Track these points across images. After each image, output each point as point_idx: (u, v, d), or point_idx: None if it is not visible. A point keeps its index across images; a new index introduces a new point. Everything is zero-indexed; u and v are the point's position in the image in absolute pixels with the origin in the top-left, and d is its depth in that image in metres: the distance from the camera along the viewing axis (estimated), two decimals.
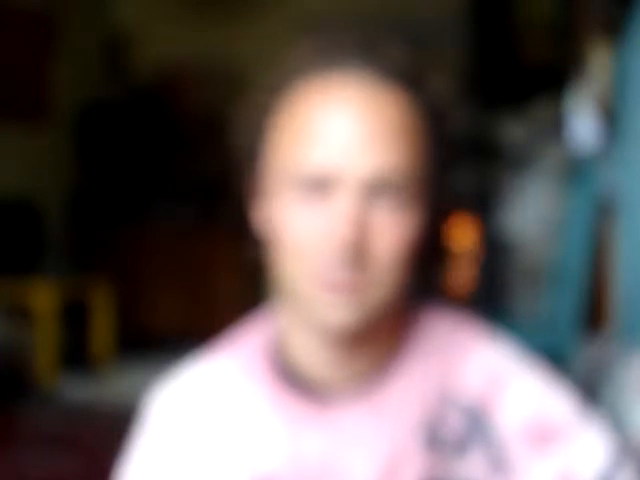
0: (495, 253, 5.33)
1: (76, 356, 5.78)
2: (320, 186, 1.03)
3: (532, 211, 5.19)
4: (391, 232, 1.03)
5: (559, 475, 1.07)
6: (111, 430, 2.87)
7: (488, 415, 1.09)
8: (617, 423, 1.16)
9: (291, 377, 1.11)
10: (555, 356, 1.53)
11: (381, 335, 1.09)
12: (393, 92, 1.04)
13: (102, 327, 5.92)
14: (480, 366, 1.11)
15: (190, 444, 1.12)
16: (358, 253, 1.02)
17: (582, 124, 2.36)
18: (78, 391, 5.36)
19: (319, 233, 1.03)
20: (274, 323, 1.15)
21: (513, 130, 5.43)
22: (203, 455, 1.12)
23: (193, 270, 6.46)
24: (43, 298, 5.54)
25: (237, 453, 1.10)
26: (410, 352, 1.12)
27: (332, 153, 1.02)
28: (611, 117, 2.24)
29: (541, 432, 1.09)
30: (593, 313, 2.34)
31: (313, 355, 1.09)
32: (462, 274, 5.52)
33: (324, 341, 1.07)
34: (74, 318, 5.87)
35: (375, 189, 1.02)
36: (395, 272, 1.04)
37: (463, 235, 5.49)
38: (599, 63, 2.34)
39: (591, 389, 1.19)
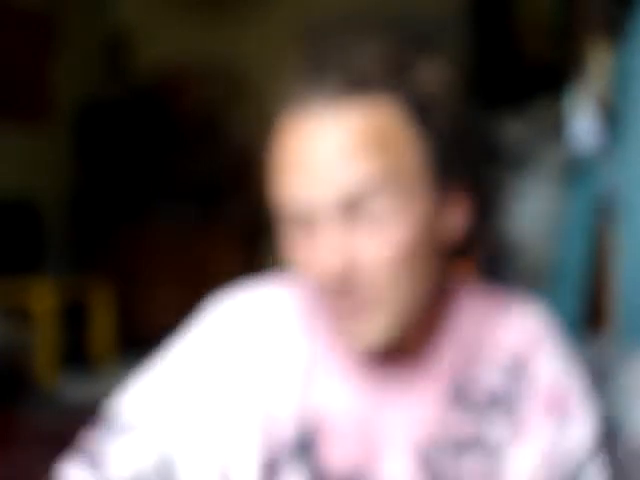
0: (495, 252, 5.34)
1: (76, 356, 5.78)
2: (303, 221, 1.04)
3: (532, 211, 5.20)
4: (381, 240, 1.02)
5: (551, 448, 1.10)
6: None
7: (526, 372, 1.12)
8: (617, 423, 1.16)
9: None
10: None
11: (417, 325, 1.11)
12: (360, 101, 1.03)
13: (102, 327, 5.92)
14: (519, 326, 1.14)
15: (230, 356, 1.13)
16: (347, 280, 1.02)
17: (582, 124, 2.36)
18: (78, 391, 5.36)
19: (312, 267, 1.04)
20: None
21: (513, 130, 5.43)
22: (237, 371, 1.12)
23: (193, 270, 6.46)
24: (43, 298, 5.54)
25: (265, 380, 1.11)
26: (445, 321, 1.14)
27: (302, 187, 1.03)
28: (611, 117, 2.24)
29: (556, 402, 1.11)
30: (593, 313, 2.34)
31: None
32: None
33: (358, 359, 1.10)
34: (74, 318, 5.88)
35: (353, 206, 1.02)
36: (403, 274, 1.04)
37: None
38: (599, 63, 2.34)
39: (591, 389, 1.19)
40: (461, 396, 1.10)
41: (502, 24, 6.30)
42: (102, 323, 5.92)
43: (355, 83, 1.03)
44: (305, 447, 1.09)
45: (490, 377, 1.11)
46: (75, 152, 6.71)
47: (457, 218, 1.11)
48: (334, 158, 1.02)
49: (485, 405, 1.10)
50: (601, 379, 1.31)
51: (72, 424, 4.92)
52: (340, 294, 1.03)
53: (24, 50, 6.22)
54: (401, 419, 1.10)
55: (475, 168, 1.12)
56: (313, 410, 1.10)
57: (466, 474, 1.08)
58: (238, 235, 6.52)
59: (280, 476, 1.09)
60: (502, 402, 1.10)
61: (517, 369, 1.11)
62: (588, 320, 2.32)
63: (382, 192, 1.02)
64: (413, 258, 1.04)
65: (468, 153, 1.12)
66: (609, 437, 1.18)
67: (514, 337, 1.13)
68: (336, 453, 1.08)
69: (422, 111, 1.06)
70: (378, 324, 1.04)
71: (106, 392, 6.17)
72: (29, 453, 4.23)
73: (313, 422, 1.09)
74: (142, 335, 6.30)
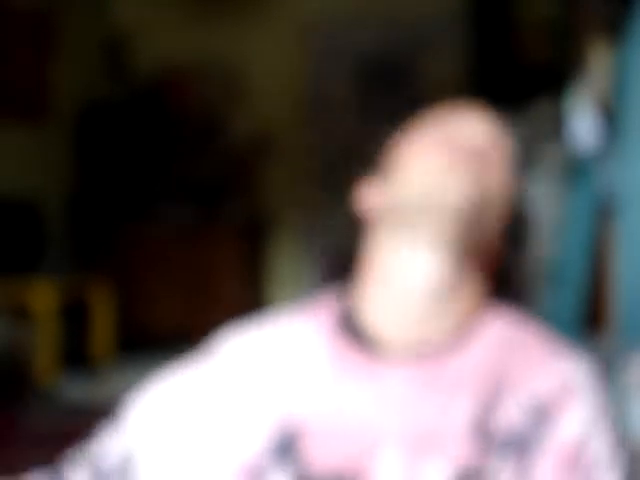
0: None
1: (76, 356, 5.78)
2: None
3: (532, 211, 5.19)
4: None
5: None
6: None
7: (552, 420, 1.06)
8: (617, 423, 1.16)
9: (356, 335, 1.12)
10: None
11: (456, 308, 1.11)
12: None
13: (102, 327, 5.92)
14: (557, 371, 1.09)
15: (244, 381, 1.13)
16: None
17: (582, 124, 2.36)
18: (78, 391, 5.36)
19: None
20: (348, 294, 1.17)
21: (513, 129, 5.42)
22: (250, 391, 1.12)
23: (193, 270, 6.46)
24: (43, 298, 5.53)
25: (279, 393, 1.11)
26: (478, 336, 1.11)
27: None
28: (611, 117, 2.24)
29: (572, 462, 1.05)
30: (593, 313, 2.34)
31: (384, 312, 1.11)
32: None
33: (406, 300, 1.10)
34: (74, 318, 5.87)
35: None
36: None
37: None
38: (599, 63, 2.34)
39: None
40: (484, 422, 1.06)
41: (502, 24, 6.30)
42: (102, 323, 5.92)
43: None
44: (287, 450, 1.07)
45: (511, 414, 1.06)
46: (75, 152, 6.70)
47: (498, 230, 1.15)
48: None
49: (500, 441, 1.05)
50: (601, 379, 1.30)
51: (72, 424, 4.93)
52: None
53: (24, 50, 6.21)
54: (408, 422, 1.07)
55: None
56: (295, 413, 1.09)
57: None
58: (238, 235, 6.52)
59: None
60: (517, 443, 1.05)
61: (541, 414, 1.05)
62: (588, 320, 2.31)
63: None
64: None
65: None
66: None
67: (546, 380, 1.08)
68: (319, 458, 1.06)
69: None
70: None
71: (106, 392, 6.19)
72: (29, 453, 4.23)
73: (294, 425, 1.08)
74: (142, 335, 6.30)
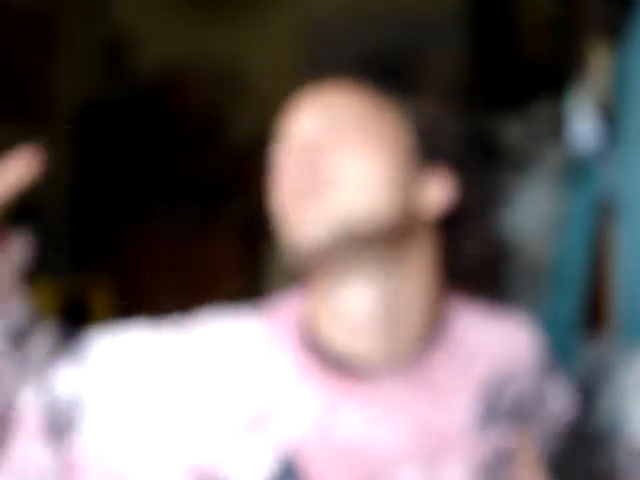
0: (495, 253, 5.33)
1: None
2: None
3: (532, 211, 5.20)
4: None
5: None
6: None
7: (541, 397, 1.10)
8: (617, 423, 1.16)
9: (322, 352, 1.08)
10: (555, 356, 1.53)
11: (411, 307, 1.09)
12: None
13: (102, 327, 5.91)
14: (536, 345, 1.14)
15: (202, 392, 1.10)
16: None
17: (582, 124, 2.36)
18: None
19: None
20: (305, 304, 1.15)
21: (513, 130, 5.43)
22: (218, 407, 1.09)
23: (193, 270, 6.46)
24: (43, 297, 5.53)
25: (261, 419, 1.07)
26: (451, 331, 1.11)
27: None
28: (611, 117, 2.24)
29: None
30: (593, 313, 2.34)
31: (341, 338, 1.08)
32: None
33: (357, 330, 1.07)
34: (74, 318, 5.87)
35: None
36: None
37: None
38: (599, 63, 2.34)
39: (591, 389, 1.19)
40: (492, 410, 1.07)
41: (502, 24, 6.30)
42: (102, 323, 5.91)
43: None
44: (290, 475, 1.03)
45: (515, 391, 1.09)
46: (75, 152, 6.70)
47: (435, 194, 1.10)
48: None
49: (514, 418, 1.08)
50: (601, 379, 1.31)
51: None
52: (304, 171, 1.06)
53: (24, 50, 6.21)
54: (406, 433, 1.06)
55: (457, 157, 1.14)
56: (293, 439, 1.06)
57: None
58: (238, 235, 6.52)
59: None
60: (522, 417, 1.08)
61: (535, 390, 1.10)
62: (588, 320, 2.31)
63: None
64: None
65: (446, 141, 1.15)
66: (609, 437, 1.18)
67: (534, 355, 1.13)
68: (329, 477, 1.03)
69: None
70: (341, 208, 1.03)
71: None
72: None
73: (293, 451, 1.05)
74: None
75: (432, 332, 1.08)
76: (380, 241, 1.05)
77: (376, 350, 1.06)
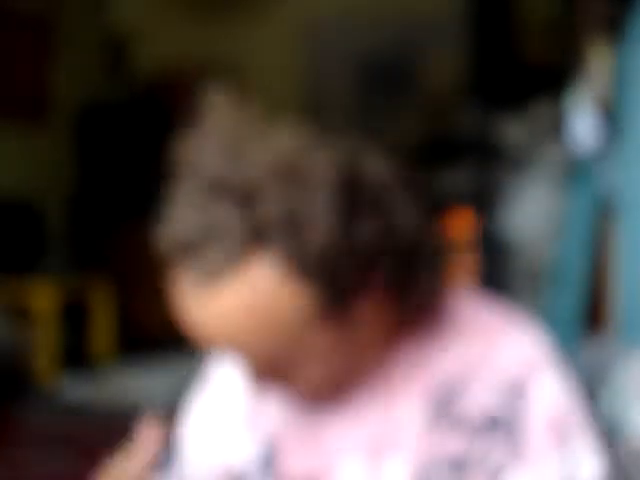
0: (495, 252, 5.33)
1: (76, 356, 5.78)
2: None
3: (532, 211, 5.20)
4: None
5: (555, 476, 1.08)
6: (111, 430, 2.87)
7: (523, 398, 1.09)
8: (617, 423, 1.16)
9: None
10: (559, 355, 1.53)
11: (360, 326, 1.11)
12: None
13: (102, 327, 5.92)
14: (517, 348, 1.11)
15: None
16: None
17: (582, 124, 2.36)
18: (78, 391, 5.36)
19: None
20: None
21: (513, 130, 5.43)
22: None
23: None
24: (43, 298, 5.54)
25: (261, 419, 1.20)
26: (421, 331, 1.14)
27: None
28: (611, 117, 2.24)
29: (558, 426, 1.09)
30: (593, 313, 2.34)
31: None
32: (462, 274, 5.51)
33: None
34: (74, 318, 5.87)
35: None
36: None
37: (463, 235, 5.49)
38: (599, 63, 2.34)
39: (591, 389, 1.19)
40: (444, 413, 1.10)
41: (502, 24, 6.30)
42: (102, 323, 5.92)
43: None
44: (268, 462, 1.17)
45: (484, 397, 1.09)
46: (75, 152, 6.70)
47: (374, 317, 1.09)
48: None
49: (480, 425, 1.09)
50: (601, 379, 1.31)
51: (72, 424, 4.92)
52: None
53: (24, 50, 6.22)
54: (358, 438, 1.12)
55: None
56: (271, 430, 1.18)
57: None
58: None
59: None
60: (501, 424, 1.08)
61: (515, 392, 1.09)
62: (588, 320, 2.32)
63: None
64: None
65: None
66: (609, 437, 1.18)
67: (511, 358, 1.10)
68: (292, 466, 1.16)
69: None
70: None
71: (106, 392, 6.17)
72: (29, 453, 4.22)
73: (271, 441, 1.18)
74: (142, 335, 6.29)
75: (390, 343, 1.14)
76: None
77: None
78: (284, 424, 1.19)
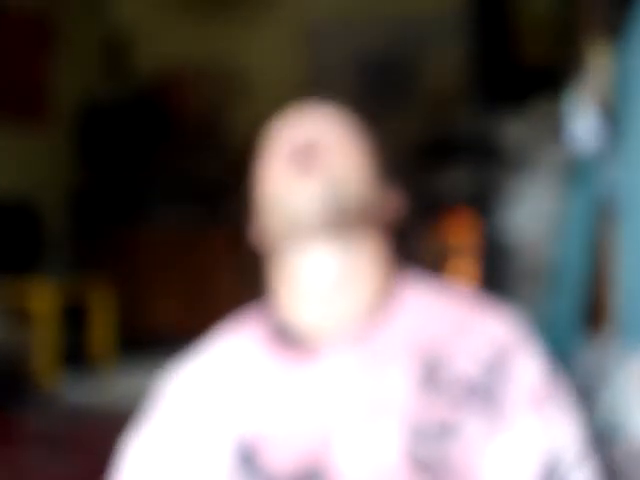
0: (495, 253, 5.34)
1: (76, 356, 5.78)
2: None
3: (532, 211, 5.19)
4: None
5: (534, 445, 1.15)
6: (111, 430, 2.87)
7: (506, 368, 1.17)
8: (617, 423, 1.16)
9: (287, 337, 1.24)
10: (555, 356, 1.53)
11: (363, 287, 1.21)
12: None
13: (102, 327, 5.92)
14: (500, 324, 1.20)
15: (198, 410, 1.25)
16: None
17: (582, 124, 2.36)
18: (78, 392, 5.36)
19: None
20: (272, 306, 1.29)
21: (513, 130, 5.43)
22: (208, 419, 1.24)
23: (193, 270, 6.46)
24: (43, 298, 5.54)
25: (232, 413, 1.22)
26: (398, 305, 1.22)
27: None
28: (611, 117, 2.24)
29: (538, 400, 1.16)
30: (593, 313, 2.34)
31: (300, 308, 1.22)
32: (462, 274, 5.52)
33: (313, 298, 1.20)
34: (74, 318, 5.87)
35: None
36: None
37: (463, 235, 5.49)
38: (599, 63, 2.34)
39: (591, 389, 1.20)
40: (432, 380, 1.16)
41: (502, 25, 6.30)
42: (102, 323, 5.92)
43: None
44: (249, 460, 1.20)
45: (466, 367, 1.16)
46: (75, 152, 6.71)
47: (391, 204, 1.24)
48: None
49: (461, 393, 1.15)
50: (601, 379, 1.31)
51: (72, 424, 4.92)
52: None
53: (24, 50, 6.22)
54: (354, 400, 1.17)
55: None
56: (250, 425, 1.20)
57: (451, 460, 1.13)
58: (238, 236, 6.52)
59: None
60: (480, 394, 1.15)
61: (496, 364, 1.17)
62: (588, 320, 2.31)
63: None
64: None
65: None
66: (608, 438, 1.18)
67: (493, 333, 1.18)
68: (281, 456, 1.17)
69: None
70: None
71: (106, 392, 6.17)
72: (28, 454, 4.22)
73: (251, 437, 1.20)
74: (142, 336, 6.30)
75: (380, 304, 1.21)
76: (356, 219, 1.22)
77: (328, 318, 1.20)
78: (260, 413, 1.20)
